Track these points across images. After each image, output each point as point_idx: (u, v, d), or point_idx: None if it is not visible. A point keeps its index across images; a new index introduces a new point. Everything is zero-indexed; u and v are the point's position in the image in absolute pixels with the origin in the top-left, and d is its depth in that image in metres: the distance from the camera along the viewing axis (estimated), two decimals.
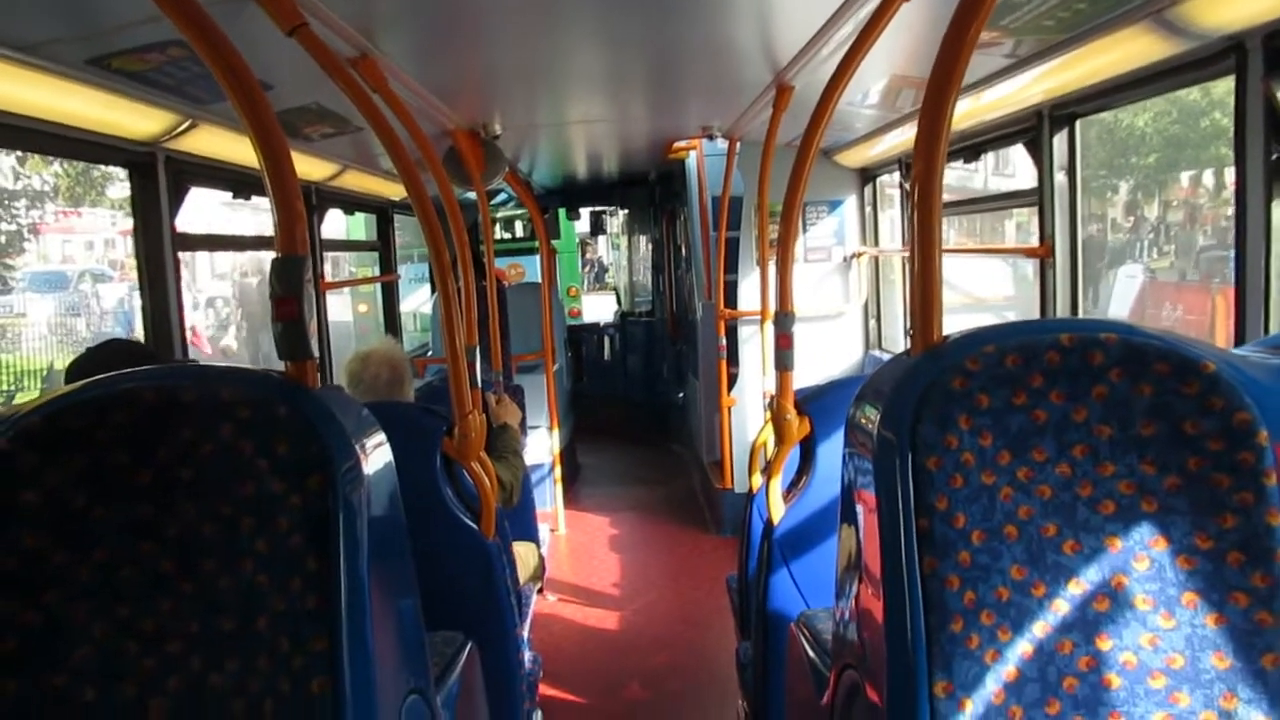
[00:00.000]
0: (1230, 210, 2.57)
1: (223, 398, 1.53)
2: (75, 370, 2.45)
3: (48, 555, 1.48)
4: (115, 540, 1.51)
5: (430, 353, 7.05)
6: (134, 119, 2.86)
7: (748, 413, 6.10)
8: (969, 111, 3.64)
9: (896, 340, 5.92)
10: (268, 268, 1.66)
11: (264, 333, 12.23)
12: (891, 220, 6.10)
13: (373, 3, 2.48)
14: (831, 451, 2.74)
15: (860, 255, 6.05)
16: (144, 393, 1.53)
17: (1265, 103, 2.32)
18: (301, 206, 1.68)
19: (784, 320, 2.81)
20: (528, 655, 3.27)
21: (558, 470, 6.57)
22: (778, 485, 2.83)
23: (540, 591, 4.28)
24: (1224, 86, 2.50)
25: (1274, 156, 2.33)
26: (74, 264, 22.61)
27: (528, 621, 3.42)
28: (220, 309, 16.20)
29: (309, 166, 4.35)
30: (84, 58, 2.34)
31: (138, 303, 3.47)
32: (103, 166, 16.06)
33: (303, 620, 1.48)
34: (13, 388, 12.01)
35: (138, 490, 1.51)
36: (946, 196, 1.66)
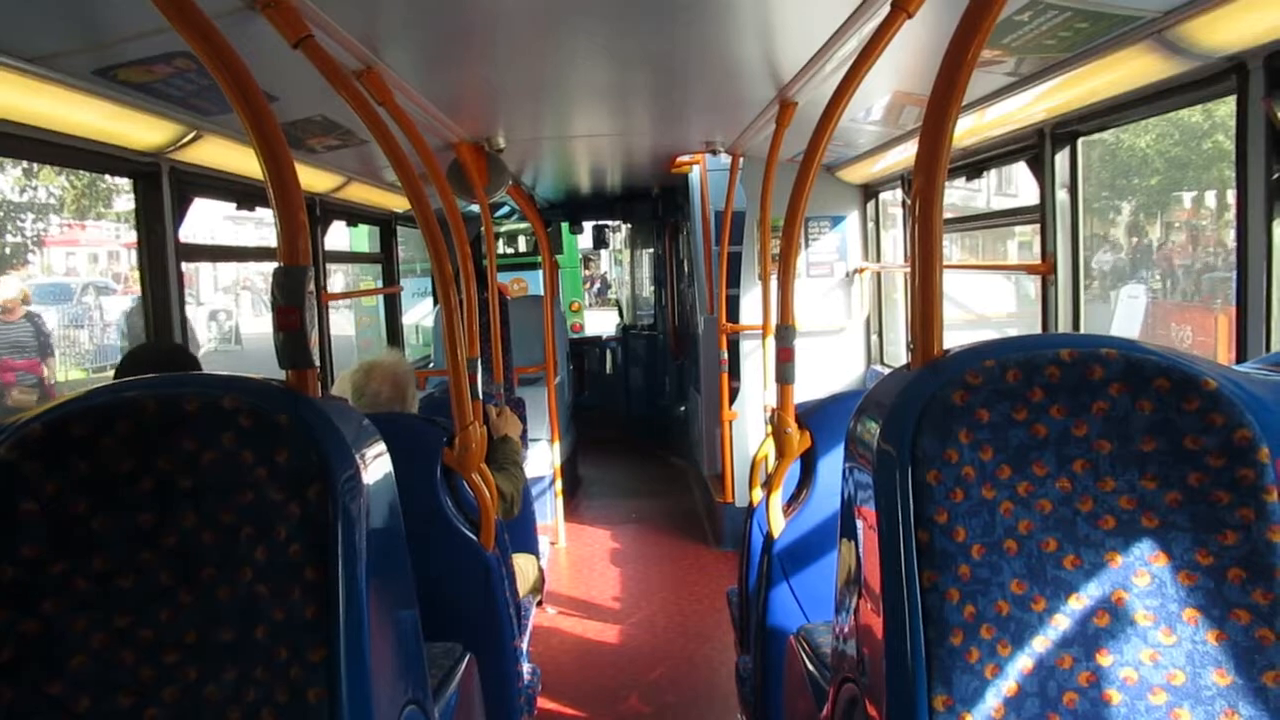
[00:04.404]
0: (1232, 232, 2.58)
1: (224, 406, 1.53)
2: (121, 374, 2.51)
3: (47, 564, 1.48)
4: (115, 549, 1.51)
5: (432, 365, 7.05)
6: (139, 130, 2.88)
7: (749, 427, 6.10)
8: (971, 129, 3.66)
9: (898, 356, 5.92)
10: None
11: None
12: (894, 237, 6.12)
13: (378, 16, 2.49)
14: (832, 465, 2.74)
15: (862, 271, 6.06)
16: (147, 401, 1.53)
17: (1266, 122, 2.33)
18: (304, 217, 1.69)
19: (785, 334, 2.81)
20: (526, 667, 3.26)
21: (558, 483, 6.56)
22: (778, 499, 2.83)
23: (540, 604, 4.28)
24: (1225, 109, 2.51)
25: (1275, 176, 2.34)
26: (78, 276, 22.68)
27: (527, 634, 3.41)
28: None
29: (313, 178, 4.37)
30: (91, 69, 2.35)
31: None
32: (109, 179, 16.12)
33: (301, 630, 1.48)
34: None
35: (138, 498, 1.51)
36: (949, 214, 1.66)
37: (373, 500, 1.61)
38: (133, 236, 3.65)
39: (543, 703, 4.04)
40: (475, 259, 6.33)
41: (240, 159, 3.43)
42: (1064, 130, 3.34)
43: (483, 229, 4.99)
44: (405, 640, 1.78)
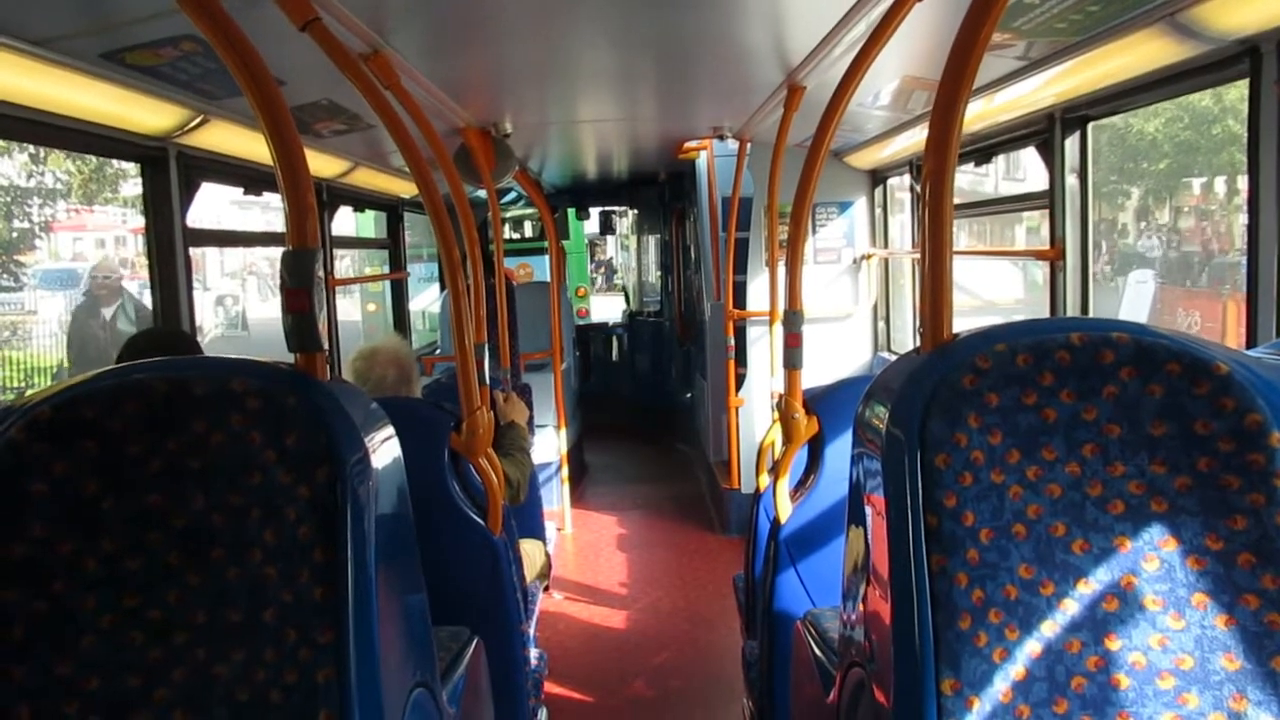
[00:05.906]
0: (1240, 217, 2.57)
1: (233, 388, 1.53)
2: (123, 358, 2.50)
3: (56, 545, 1.49)
4: (124, 530, 1.51)
5: (439, 350, 7.06)
6: (147, 114, 2.87)
7: (755, 413, 6.10)
8: (981, 113, 3.64)
9: (905, 343, 5.91)
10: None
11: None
12: (901, 223, 6.10)
13: None
14: (839, 451, 2.74)
15: (870, 257, 6.04)
16: (156, 383, 1.53)
17: (1279, 106, 2.31)
18: (313, 200, 1.69)
19: (793, 319, 2.81)
20: (533, 652, 3.27)
21: (564, 469, 6.57)
22: (785, 484, 2.83)
23: (546, 589, 4.29)
24: (1235, 93, 2.50)
25: None
26: (85, 261, 22.70)
27: (534, 619, 3.43)
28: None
29: (320, 163, 4.36)
30: (98, 52, 2.35)
31: (147, 299, 3.47)
32: (116, 163, 16.13)
33: (309, 612, 1.49)
34: (24, 384, 12.04)
35: (147, 480, 1.52)
36: (956, 200, 1.65)
37: (381, 483, 1.61)
38: (139, 221, 3.66)
39: (549, 687, 4.05)
40: (482, 244, 6.33)
41: (247, 143, 3.42)
42: (1074, 115, 3.32)
43: (489, 214, 4.99)
44: (413, 623, 1.79)
